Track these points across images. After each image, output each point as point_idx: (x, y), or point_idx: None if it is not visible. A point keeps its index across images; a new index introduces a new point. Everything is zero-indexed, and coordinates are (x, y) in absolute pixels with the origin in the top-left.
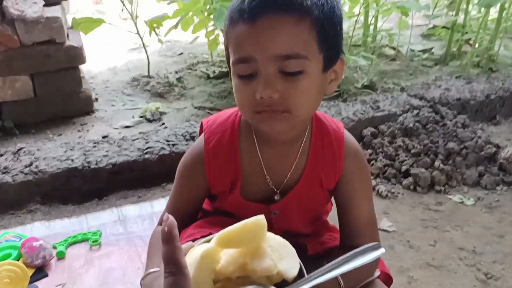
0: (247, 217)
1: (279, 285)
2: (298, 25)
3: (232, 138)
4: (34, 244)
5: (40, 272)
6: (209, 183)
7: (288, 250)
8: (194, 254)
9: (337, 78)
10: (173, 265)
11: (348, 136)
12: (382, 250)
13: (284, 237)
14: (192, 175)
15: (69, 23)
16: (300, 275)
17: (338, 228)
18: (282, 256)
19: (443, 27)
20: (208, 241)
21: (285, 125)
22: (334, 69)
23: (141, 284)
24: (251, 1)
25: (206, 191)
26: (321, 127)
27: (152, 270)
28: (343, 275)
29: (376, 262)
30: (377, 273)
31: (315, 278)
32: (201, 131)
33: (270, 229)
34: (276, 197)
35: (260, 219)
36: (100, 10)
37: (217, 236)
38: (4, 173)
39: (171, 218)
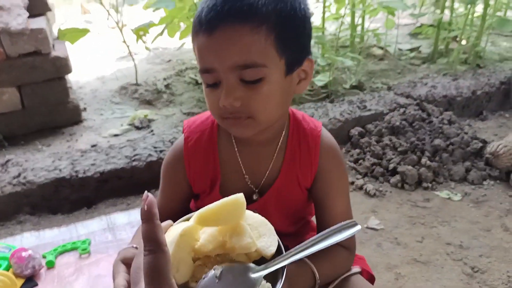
0: None
1: (258, 262)
2: (254, 34)
3: (211, 138)
4: (23, 254)
5: (30, 281)
6: (190, 182)
7: (267, 228)
8: (173, 232)
9: (307, 77)
10: (153, 243)
11: (325, 134)
12: (358, 227)
13: None
14: (174, 174)
15: (55, 33)
16: (279, 252)
17: None
18: (261, 234)
19: (430, 25)
20: (188, 219)
21: (251, 130)
22: (302, 68)
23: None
24: (207, 13)
25: (189, 190)
26: (298, 127)
27: (128, 246)
28: (317, 268)
29: (350, 256)
30: (357, 269)
31: (293, 255)
32: (183, 132)
33: None
34: (255, 197)
35: (239, 197)
36: (88, 19)
37: (196, 214)
38: None
39: (151, 196)
